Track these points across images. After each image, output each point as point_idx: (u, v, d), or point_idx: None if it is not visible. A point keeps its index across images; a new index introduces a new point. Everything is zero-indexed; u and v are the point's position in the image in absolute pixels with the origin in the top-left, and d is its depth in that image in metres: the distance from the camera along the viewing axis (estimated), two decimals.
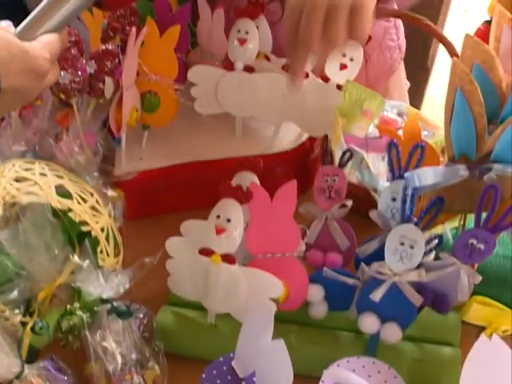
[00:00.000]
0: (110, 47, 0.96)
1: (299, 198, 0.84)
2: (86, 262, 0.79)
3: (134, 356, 0.81)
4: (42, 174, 0.84)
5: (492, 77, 0.80)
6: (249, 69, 0.98)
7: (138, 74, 0.99)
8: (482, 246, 0.78)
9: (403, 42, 1.34)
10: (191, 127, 1.08)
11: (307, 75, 0.96)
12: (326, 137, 0.96)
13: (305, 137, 1.05)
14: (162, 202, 1.06)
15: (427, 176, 0.81)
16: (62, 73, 0.88)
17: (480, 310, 0.89)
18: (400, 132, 0.98)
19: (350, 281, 0.84)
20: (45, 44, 0.71)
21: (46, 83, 0.73)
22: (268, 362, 0.70)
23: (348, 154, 0.90)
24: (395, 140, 0.83)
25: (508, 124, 0.77)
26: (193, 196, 1.04)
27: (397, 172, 0.84)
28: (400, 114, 1.08)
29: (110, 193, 0.96)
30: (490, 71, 0.81)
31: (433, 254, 0.85)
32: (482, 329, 0.91)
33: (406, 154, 0.84)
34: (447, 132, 0.82)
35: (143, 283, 0.96)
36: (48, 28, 0.73)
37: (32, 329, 0.81)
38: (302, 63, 0.84)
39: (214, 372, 0.74)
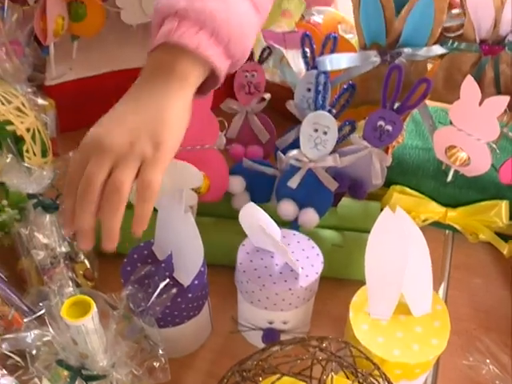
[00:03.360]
0: None
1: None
2: (10, 156, 0.80)
3: (63, 249, 0.84)
4: None
5: None
6: None
7: None
8: (390, 128, 0.81)
9: None
10: (122, 38, 1.10)
11: None
12: None
13: None
14: (95, 113, 1.07)
15: (339, 60, 0.84)
16: None
17: (400, 199, 0.93)
18: None
19: (269, 170, 0.88)
20: None
21: None
22: (182, 239, 0.73)
23: (267, 51, 0.92)
24: (308, 32, 0.85)
25: (414, 3, 0.79)
26: None
27: (311, 63, 0.87)
28: None
29: (41, 101, 0.98)
30: None
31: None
32: None
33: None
34: (356, 19, 0.85)
35: None
36: None
37: None
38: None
39: (135, 256, 0.78)
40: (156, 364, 0.66)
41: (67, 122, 1.06)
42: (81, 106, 1.07)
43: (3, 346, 0.65)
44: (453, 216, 0.93)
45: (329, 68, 0.83)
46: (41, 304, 0.64)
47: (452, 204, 0.94)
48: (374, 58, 0.85)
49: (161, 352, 0.66)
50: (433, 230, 0.94)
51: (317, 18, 1.06)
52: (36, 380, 0.66)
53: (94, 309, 0.59)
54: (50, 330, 0.62)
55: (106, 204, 0.57)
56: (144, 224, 0.59)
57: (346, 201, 0.92)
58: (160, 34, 0.63)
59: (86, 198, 0.57)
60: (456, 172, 0.90)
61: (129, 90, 0.63)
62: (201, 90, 0.67)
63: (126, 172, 0.57)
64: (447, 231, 0.98)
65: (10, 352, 0.68)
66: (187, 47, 0.61)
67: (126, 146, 0.58)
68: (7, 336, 0.65)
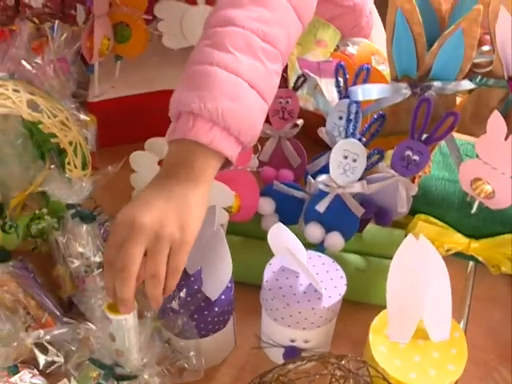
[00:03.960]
0: None
1: None
2: (52, 167, 0.85)
3: (97, 259, 0.88)
4: (15, 91, 0.90)
5: (431, 1, 0.86)
6: (211, 2, 1.03)
7: (111, 6, 1.05)
8: (417, 158, 0.84)
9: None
10: (163, 60, 1.14)
11: None
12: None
13: None
14: (133, 130, 1.12)
15: (371, 91, 0.87)
16: None
17: (425, 228, 0.95)
18: None
19: (299, 193, 0.91)
20: None
21: None
22: (212, 255, 0.76)
23: (302, 79, 0.96)
24: (343, 62, 0.89)
25: (445, 39, 0.82)
26: (163, 125, 1.10)
27: (344, 92, 0.90)
28: None
29: (83, 117, 1.03)
30: None
31: None
32: None
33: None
34: (389, 52, 0.88)
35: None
36: None
37: (2, 228, 0.87)
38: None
39: None
40: (186, 365, 0.69)
41: (106, 137, 1.11)
42: (120, 124, 1.12)
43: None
44: (476, 247, 0.95)
45: (361, 98, 0.87)
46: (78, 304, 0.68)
47: (475, 235, 0.95)
48: (405, 90, 0.88)
49: (192, 353, 0.69)
50: (455, 260, 0.95)
51: (351, 49, 1.10)
52: (65, 381, 0.69)
53: (136, 305, 0.65)
54: (91, 326, 0.65)
55: (148, 284, 0.65)
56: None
57: (371, 227, 0.94)
58: (178, 129, 0.71)
59: (124, 276, 0.63)
60: (480, 204, 0.92)
61: (155, 178, 0.71)
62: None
63: (160, 260, 0.64)
64: (470, 262, 0.99)
65: (44, 349, 0.72)
66: (202, 143, 0.69)
67: (156, 227, 0.65)
68: (42, 332, 0.69)
